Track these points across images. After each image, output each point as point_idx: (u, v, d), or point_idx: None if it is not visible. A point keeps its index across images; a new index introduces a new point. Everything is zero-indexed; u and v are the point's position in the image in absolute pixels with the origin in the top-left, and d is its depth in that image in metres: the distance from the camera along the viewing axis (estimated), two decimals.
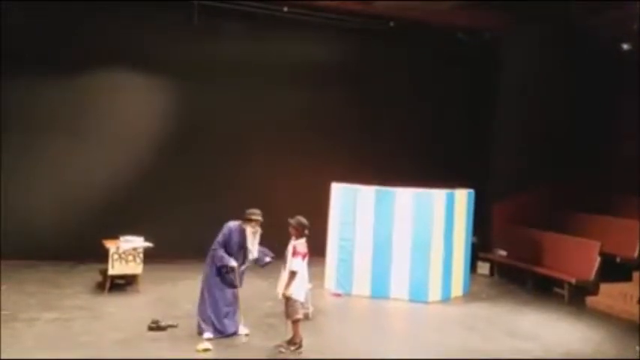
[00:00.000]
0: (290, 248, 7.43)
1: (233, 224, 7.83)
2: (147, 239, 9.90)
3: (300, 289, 7.40)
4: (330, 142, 13.06)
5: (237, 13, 12.36)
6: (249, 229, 7.76)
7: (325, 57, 13.39)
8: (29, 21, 11.31)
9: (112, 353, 7.00)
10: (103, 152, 12.05)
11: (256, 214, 7.81)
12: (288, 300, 7.34)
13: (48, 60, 11.45)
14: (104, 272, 9.74)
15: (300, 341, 7.37)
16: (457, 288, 10.77)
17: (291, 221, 7.45)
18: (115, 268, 9.54)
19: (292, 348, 7.34)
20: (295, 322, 7.38)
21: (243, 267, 7.88)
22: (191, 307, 8.46)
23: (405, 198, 10.24)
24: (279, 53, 13.00)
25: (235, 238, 7.77)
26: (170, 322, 8.05)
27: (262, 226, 7.88)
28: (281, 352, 7.31)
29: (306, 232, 7.46)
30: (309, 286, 8.26)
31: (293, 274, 7.28)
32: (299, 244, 7.38)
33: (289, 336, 7.46)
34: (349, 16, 12.73)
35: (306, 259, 7.46)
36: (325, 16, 12.61)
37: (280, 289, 7.43)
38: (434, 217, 10.20)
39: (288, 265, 7.40)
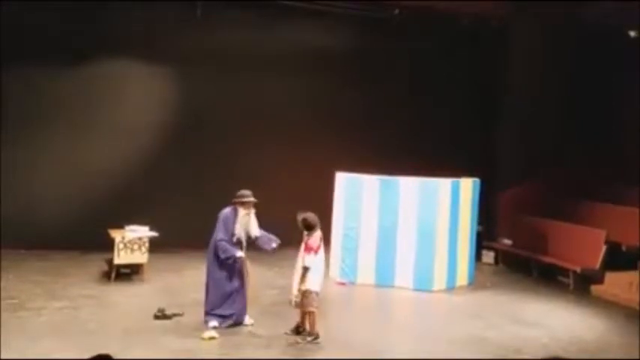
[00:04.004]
0: (303, 243, 7.44)
1: (228, 210, 7.79)
2: (152, 228, 9.93)
3: (315, 281, 7.39)
4: (334, 130, 13.02)
5: (240, 3, 12.33)
6: (241, 212, 7.70)
7: (329, 45, 13.31)
8: (31, 11, 11.26)
9: (119, 341, 7.04)
10: (108, 142, 12.06)
11: (247, 195, 7.74)
12: (304, 292, 7.35)
13: (52, 50, 11.43)
14: (110, 261, 9.79)
15: (317, 332, 7.36)
16: (462, 277, 10.77)
17: (298, 217, 7.44)
18: (121, 258, 9.59)
19: (309, 339, 7.34)
20: (310, 313, 7.38)
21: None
22: (197, 296, 8.49)
23: (410, 187, 10.23)
24: (284, 42, 12.95)
25: (232, 224, 7.72)
26: (176, 311, 8.09)
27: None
28: (297, 342, 7.32)
29: (316, 228, 7.43)
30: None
31: (306, 269, 7.29)
32: (311, 239, 7.38)
33: (295, 324, 7.49)
34: (354, 4, 12.66)
35: (321, 250, 7.45)
36: (329, 4, 12.54)
37: (295, 292, 7.42)
38: (439, 206, 10.19)
39: (301, 259, 7.41)
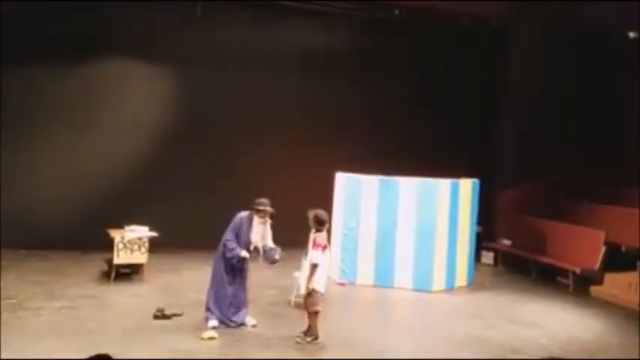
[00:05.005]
0: (310, 240, 7.45)
1: (244, 214, 7.84)
2: (152, 228, 9.94)
3: (320, 281, 7.38)
4: (334, 130, 13.04)
5: (240, 3, 12.34)
6: (257, 219, 7.77)
7: (330, 46, 13.33)
8: (31, 11, 11.25)
9: (118, 341, 7.04)
10: (108, 142, 12.07)
11: (264, 204, 7.80)
12: (309, 292, 7.35)
13: (52, 50, 11.44)
14: (109, 261, 9.80)
15: (317, 333, 7.34)
16: (461, 277, 10.78)
17: (309, 215, 7.45)
18: (120, 258, 9.60)
19: (309, 339, 7.32)
20: (314, 313, 7.37)
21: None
22: (196, 296, 8.52)
23: (410, 187, 10.24)
24: (284, 42, 12.96)
25: (246, 229, 7.77)
26: (175, 311, 8.09)
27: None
28: (297, 342, 7.31)
29: (326, 226, 7.46)
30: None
31: (314, 266, 7.28)
32: (319, 237, 7.37)
33: (304, 327, 7.44)
34: (354, 4, 12.67)
35: (327, 250, 7.47)
36: (330, 5, 12.55)
37: (303, 285, 7.44)
38: (438, 207, 10.20)
39: (309, 256, 7.42)
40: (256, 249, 7.79)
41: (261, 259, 7.87)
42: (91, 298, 8.73)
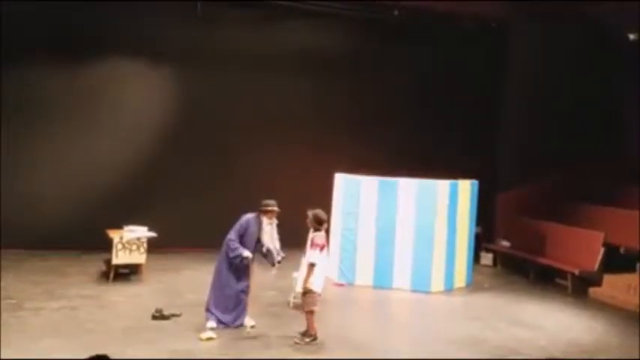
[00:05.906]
0: (308, 240, 7.47)
1: (250, 216, 7.84)
2: (151, 229, 9.95)
3: (318, 281, 7.39)
4: (334, 131, 13.04)
5: (240, 3, 12.35)
6: (265, 220, 7.78)
7: (329, 46, 13.32)
8: (30, 11, 11.23)
9: (117, 341, 7.05)
10: (108, 142, 12.08)
11: (272, 204, 7.83)
12: (306, 292, 7.36)
13: (52, 49, 11.45)
14: (108, 262, 9.81)
15: (315, 333, 7.36)
16: (460, 278, 10.78)
17: (309, 214, 7.48)
18: (119, 258, 9.60)
19: (307, 339, 7.34)
20: (309, 313, 7.38)
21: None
22: (194, 297, 8.54)
23: (409, 188, 10.24)
24: (283, 42, 12.96)
25: (252, 230, 7.78)
26: (174, 312, 8.10)
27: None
28: (296, 342, 7.32)
29: (324, 225, 7.49)
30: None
31: (312, 266, 7.29)
32: (317, 236, 7.40)
33: (303, 327, 7.45)
34: (353, 5, 12.67)
35: (325, 250, 7.49)
36: (329, 5, 12.55)
37: (300, 284, 7.45)
38: (437, 208, 10.20)
39: (307, 256, 7.43)
40: (269, 250, 7.80)
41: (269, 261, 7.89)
42: (91, 298, 8.75)
